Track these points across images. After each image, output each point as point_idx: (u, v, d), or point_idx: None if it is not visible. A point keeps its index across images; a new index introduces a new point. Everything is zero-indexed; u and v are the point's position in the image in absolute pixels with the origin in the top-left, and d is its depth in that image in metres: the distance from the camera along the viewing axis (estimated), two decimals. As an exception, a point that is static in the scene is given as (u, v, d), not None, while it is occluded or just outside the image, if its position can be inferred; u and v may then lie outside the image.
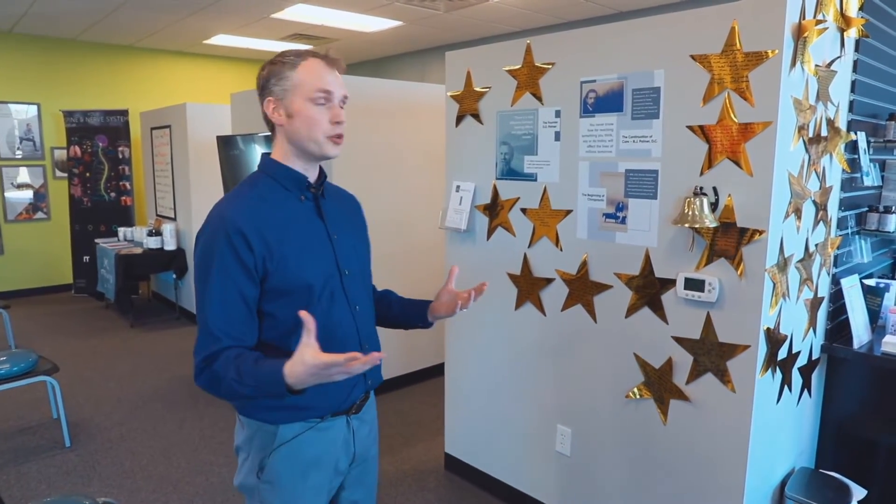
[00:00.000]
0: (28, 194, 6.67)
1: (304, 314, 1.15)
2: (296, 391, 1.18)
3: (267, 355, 1.28)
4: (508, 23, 5.90)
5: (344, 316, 1.41)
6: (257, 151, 4.07)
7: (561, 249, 2.38)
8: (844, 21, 2.03)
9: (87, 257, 6.50)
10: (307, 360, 1.13)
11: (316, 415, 1.41)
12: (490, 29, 6.17)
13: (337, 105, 1.36)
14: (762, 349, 1.90)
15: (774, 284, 1.90)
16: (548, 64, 2.33)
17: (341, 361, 1.10)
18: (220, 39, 6.71)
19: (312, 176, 1.42)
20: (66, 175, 6.71)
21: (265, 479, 1.40)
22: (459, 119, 2.69)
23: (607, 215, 2.21)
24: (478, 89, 2.59)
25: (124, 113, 6.55)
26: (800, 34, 1.80)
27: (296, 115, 1.34)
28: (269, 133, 1.43)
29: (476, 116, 2.61)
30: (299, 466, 1.40)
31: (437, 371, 4.19)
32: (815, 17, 1.85)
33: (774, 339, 1.96)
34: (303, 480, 1.41)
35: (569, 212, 2.33)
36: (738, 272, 1.89)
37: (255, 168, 1.44)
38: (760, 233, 1.84)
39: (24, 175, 6.63)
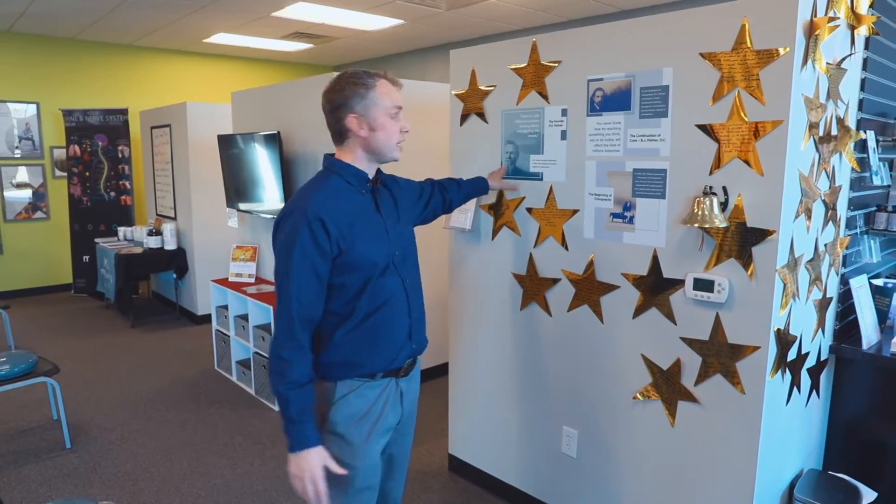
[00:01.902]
0: (27, 194, 6.65)
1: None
2: (290, 439, 1.54)
3: (326, 321, 1.61)
4: (510, 21, 5.88)
5: (397, 287, 1.68)
6: (257, 150, 4.05)
7: (567, 249, 2.36)
8: (855, 18, 2.01)
9: (87, 257, 6.48)
10: (313, 467, 1.52)
11: (366, 372, 1.65)
12: (491, 28, 6.14)
13: (403, 118, 1.66)
14: (772, 350, 1.88)
15: (785, 285, 1.88)
16: (554, 62, 2.30)
17: (310, 497, 1.52)
18: (221, 38, 6.68)
19: (372, 173, 1.70)
20: (65, 174, 6.69)
21: (329, 430, 1.64)
22: (464, 118, 2.67)
23: (615, 215, 2.19)
24: (483, 88, 2.57)
25: (124, 112, 6.53)
26: (811, 31, 1.77)
27: (378, 128, 1.61)
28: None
29: (481, 115, 2.59)
30: (355, 418, 1.64)
31: (440, 371, 4.16)
32: (826, 14, 1.83)
33: (784, 340, 1.94)
34: (358, 431, 1.64)
35: (575, 211, 2.31)
36: (749, 272, 1.87)
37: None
38: (771, 233, 1.82)
39: (23, 174, 6.60)
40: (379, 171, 1.76)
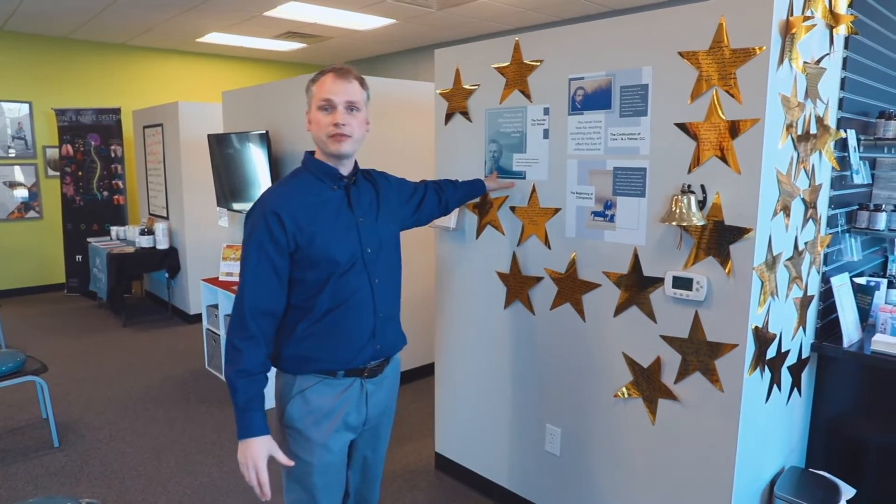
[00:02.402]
0: (20, 193, 6.64)
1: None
2: (239, 426, 1.55)
3: (290, 315, 1.62)
4: (501, 21, 5.89)
5: (362, 286, 1.65)
6: (252, 150, 4.05)
7: (550, 248, 2.36)
8: (833, 18, 2.02)
9: (80, 256, 6.47)
10: (256, 457, 1.53)
11: (325, 368, 1.64)
12: (482, 27, 6.15)
13: (340, 110, 1.60)
14: (750, 348, 1.89)
15: (763, 283, 1.89)
16: (536, 61, 2.31)
17: (257, 478, 1.54)
18: (213, 38, 6.68)
19: (345, 170, 1.69)
20: (58, 174, 6.68)
21: (286, 424, 1.66)
22: (448, 117, 2.68)
23: (596, 213, 2.20)
24: (467, 87, 2.58)
25: (116, 111, 6.52)
26: (787, 31, 1.78)
27: (311, 120, 1.64)
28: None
29: (465, 114, 2.60)
30: (312, 415, 1.64)
31: (426, 371, 4.17)
32: (803, 13, 1.84)
33: (763, 337, 1.94)
34: (316, 427, 1.64)
35: (557, 210, 2.32)
36: (726, 270, 1.88)
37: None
38: (748, 231, 1.82)
39: (15, 174, 6.59)
40: (357, 167, 1.76)
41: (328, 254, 1.59)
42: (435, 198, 2.18)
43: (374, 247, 1.69)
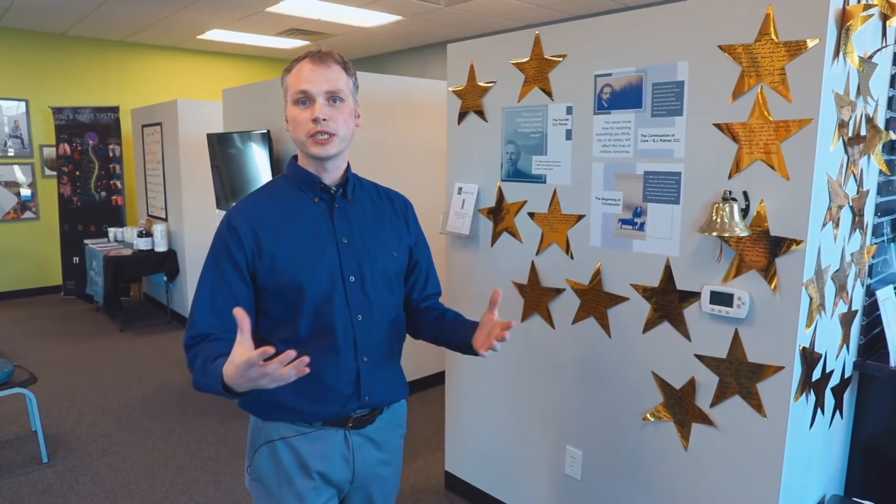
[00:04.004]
0: (16, 193, 6.48)
1: (238, 312, 1.11)
2: (238, 393, 1.17)
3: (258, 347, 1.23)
4: (511, 18, 5.72)
5: (341, 323, 1.36)
6: (253, 150, 3.89)
7: (572, 257, 2.19)
8: (889, 7, 1.85)
9: (77, 258, 6.31)
10: (234, 359, 1.10)
11: (303, 420, 1.38)
12: (492, 24, 5.98)
13: (319, 102, 1.32)
14: (797, 371, 1.72)
15: (811, 299, 1.71)
16: (558, 56, 2.14)
17: (255, 359, 1.06)
18: (214, 34, 6.52)
19: (330, 178, 1.41)
20: (55, 173, 6.52)
21: (253, 477, 1.44)
22: (462, 116, 2.51)
23: (624, 221, 2.03)
24: (482, 84, 2.41)
25: (115, 110, 6.36)
26: (844, 21, 1.61)
27: (289, 118, 1.36)
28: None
29: (480, 113, 2.43)
30: (283, 469, 1.39)
31: (437, 380, 4.00)
32: (859, 1, 1.67)
33: (810, 359, 1.77)
34: (288, 485, 1.39)
35: (581, 217, 2.15)
36: (772, 286, 1.71)
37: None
38: (798, 243, 1.65)
39: (12, 173, 6.44)
40: (349, 175, 1.43)
41: (291, 280, 1.32)
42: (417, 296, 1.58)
43: (360, 276, 1.38)
